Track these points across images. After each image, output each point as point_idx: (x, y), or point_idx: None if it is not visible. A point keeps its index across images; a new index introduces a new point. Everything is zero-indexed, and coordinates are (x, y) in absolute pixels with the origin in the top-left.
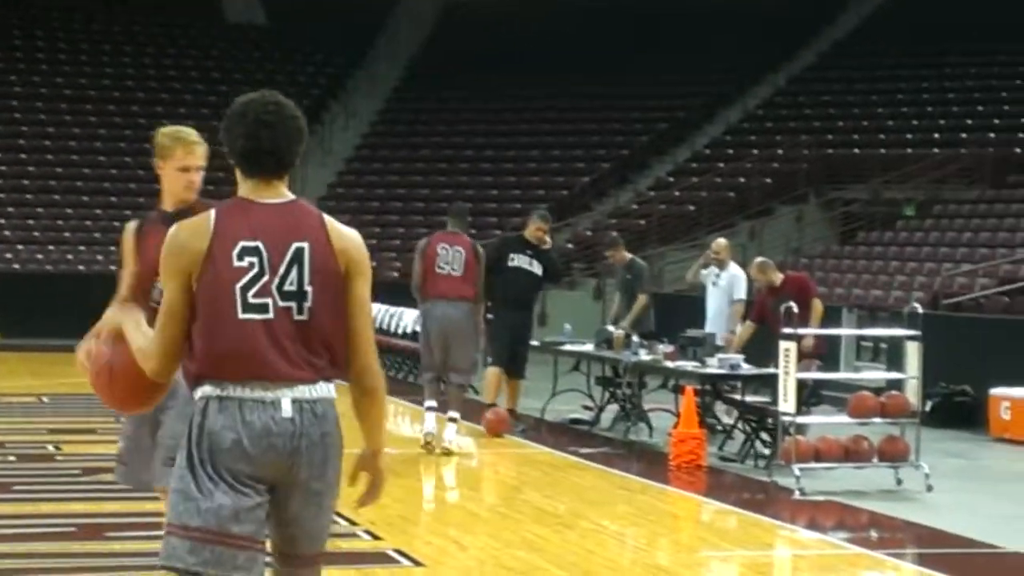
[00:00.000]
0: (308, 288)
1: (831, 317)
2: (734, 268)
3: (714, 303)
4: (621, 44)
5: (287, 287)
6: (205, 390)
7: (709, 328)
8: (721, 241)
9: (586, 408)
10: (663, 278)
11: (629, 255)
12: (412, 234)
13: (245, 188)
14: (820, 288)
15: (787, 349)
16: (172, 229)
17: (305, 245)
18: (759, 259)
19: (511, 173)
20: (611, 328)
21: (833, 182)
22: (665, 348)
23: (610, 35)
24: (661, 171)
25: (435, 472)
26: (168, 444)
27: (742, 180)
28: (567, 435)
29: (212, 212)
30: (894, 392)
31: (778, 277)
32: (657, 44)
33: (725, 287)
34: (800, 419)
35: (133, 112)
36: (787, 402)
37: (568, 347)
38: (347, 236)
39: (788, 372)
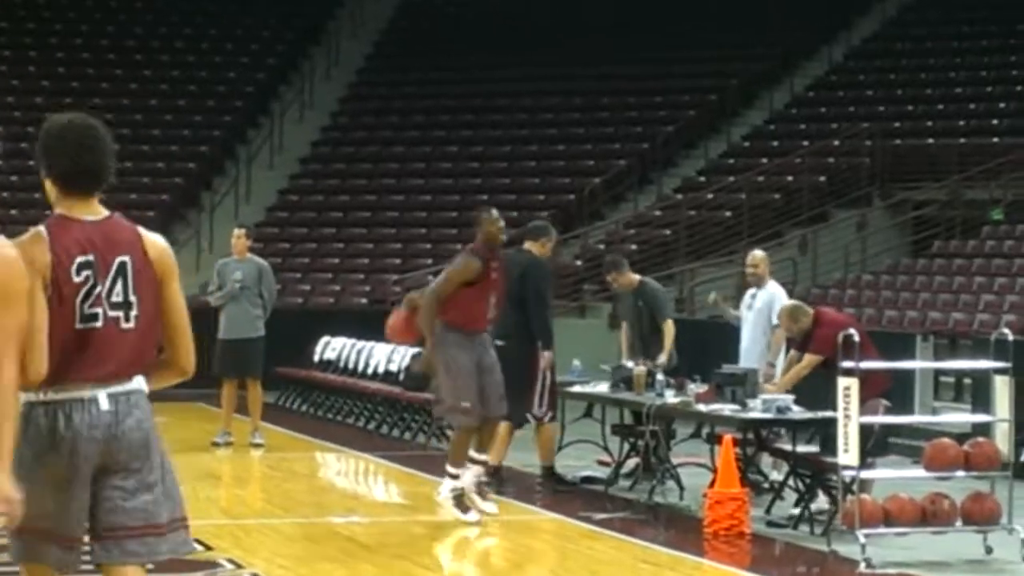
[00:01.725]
0: (133, 298)
1: (903, 347)
2: (773, 286)
3: (749, 330)
4: (640, 15)
5: (114, 298)
6: (28, 396)
7: (743, 361)
8: (757, 253)
9: (601, 463)
10: (693, 301)
11: (637, 277)
12: (383, 251)
13: (64, 206)
14: (890, 312)
15: (847, 387)
16: (14, 250)
17: (127, 259)
18: (791, 304)
19: (504, 174)
20: (630, 364)
21: (903, 180)
22: (697, 388)
23: (626, 4)
24: (690, 169)
25: (416, 545)
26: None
27: (790, 179)
28: (578, 497)
29: (43, 228)
30: (980, 439)
31: (808, 324)
32: (684, 14)
33: (763, 309)
34: (865, 474)
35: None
36: (848, 453)
37: (578, 388)
38: (159, 245)
39: (849, 416)
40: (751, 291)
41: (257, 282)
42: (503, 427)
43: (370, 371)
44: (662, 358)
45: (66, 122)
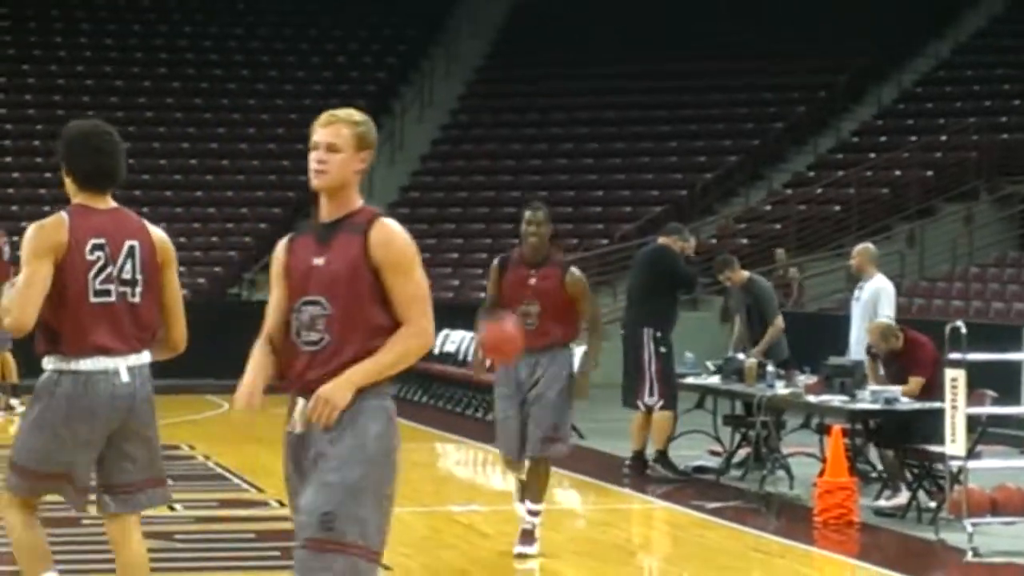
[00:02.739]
0: (139, 276)
1: (1010, 338)
2: (879, 280)
3: (857, 323)
4: (750, 13)
5: (124, 275)
6: (55, 363)
7: (854, 354)
8: (858, 246)
9: (713, 453)
10: (804, 294)
11: (747, 273)
12: (500, 245)
13: (81, 197)
14: (997, 304)
15: (954, 378)
16: (34, 226)
17: (136, 243)
18: (884, 323)
19: (619, 170)
20: (741, 356)
21: (1010, 173)
22: (807, 379)
23: (737, 2)
24: (800, 164)
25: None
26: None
27: (898, 173)
28: (691, 486)
29: (64, 214)
30: None
31: (899, 344)
32: (792, 12)
33: (868, 301)
34: (973, 464)
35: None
36: (955, 443)
37: (690, 380)
38: (161, 235)
39: (956, 406)
40: (860, 284)
41: None
42: (639, 416)
43: (489, 364)
44: (755, 351)
45: (88, 129)
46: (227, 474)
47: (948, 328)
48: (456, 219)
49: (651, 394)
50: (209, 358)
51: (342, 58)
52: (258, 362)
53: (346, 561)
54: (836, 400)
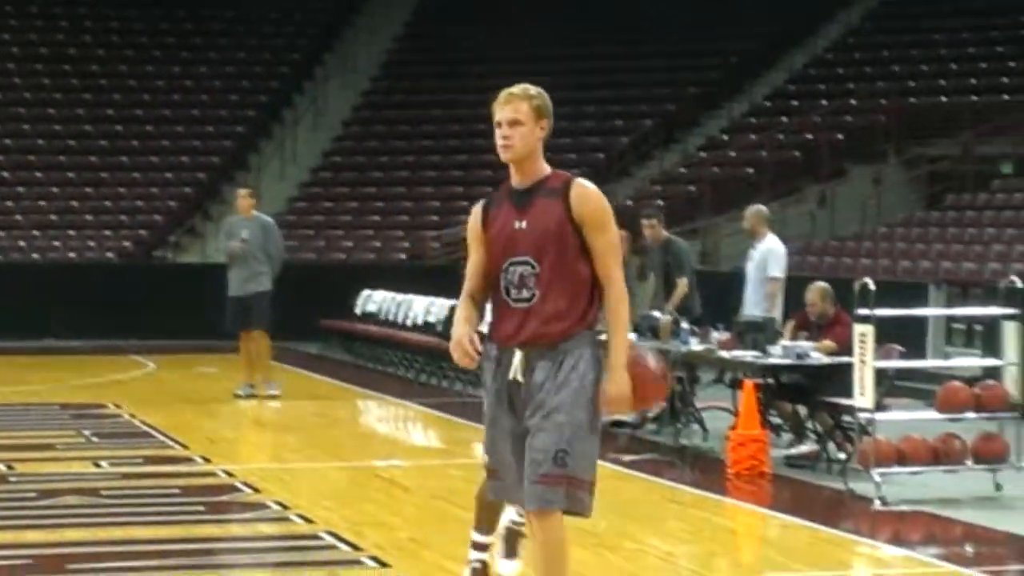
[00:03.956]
0: None
1: (917, 295)
2: (770, 240)
3: (750, 283)
4: None
5: None
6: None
7: (748, 311)
8: (750, 208)
9: None
10: (718, 253)
11: (666, 234)
12: (421, 208)
13: None
14: (904, 262)
15: (863, 334)
16: None
17: None
18: (827, 288)
19: None
20: (656, 314)
21: (917, 137)
22: (720, 336)
23: None
24: (714, 128)
25: (453, 487)
26: (537, 459)
27: (809, 137)
28: (607, 441)
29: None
30: (991, 382)
31: (831, 312)
32: None
33: (760, 262)
34: (880, 416)
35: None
36: (864, 396)
37: (604, 336)
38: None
39: (864, 361)
40: (753, 244)
41: (262, 239)
42: None
43: (409, 322)
44: (669, 309)
45: None
46: (152, 432)
47: (857, 285)
48: (377, 183)
49: None
50: (135, 319)
51: (266, 27)
52: (465, 317)
53: (576, 491)
54: (748, 355)
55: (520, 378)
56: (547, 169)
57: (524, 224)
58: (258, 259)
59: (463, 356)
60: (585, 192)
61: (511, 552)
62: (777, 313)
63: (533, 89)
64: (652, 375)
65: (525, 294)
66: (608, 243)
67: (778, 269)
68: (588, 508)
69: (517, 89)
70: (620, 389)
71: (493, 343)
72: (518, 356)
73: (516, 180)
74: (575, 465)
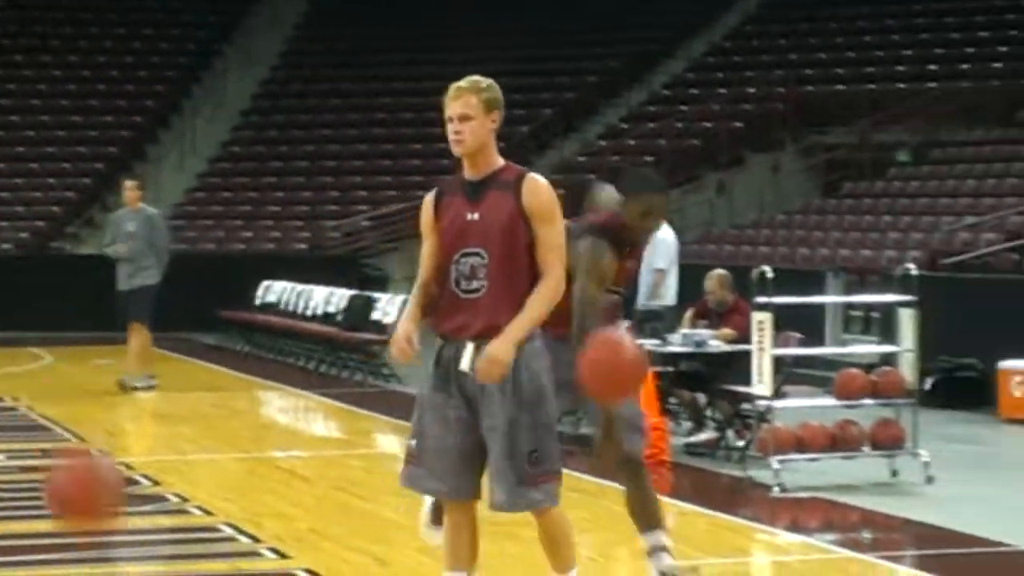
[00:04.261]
0: None
1: (814, 282)
2: (661, 230)
3: (643, 272)
4: None
5: None
6: None
7: (642, 301)
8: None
9: None
10: None
11: (566, 221)
12: (321, 197)
13: None
14: (802, 250)
15: (761, 321)
16: None
17: None
18: (727, 275)
19: (437, 123)
20: None
21: (814, 125)
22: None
23: None
24: (613, 117)
25: (353, 477)
26: (515, 463)
27: (708, 125)
28: None
29: None
30: (887, 368)
31: (730, 299)
32: None
33: (648, 250)
34: (779, 403)
35: None
36: (763, 383)
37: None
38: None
39: (763, 348)
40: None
41: (148, 232)
42: None
43: (309, 313)
44: None
45: None
46: (50, 424)
47: (755, 273)
48: (277, 172)
49: None
50: (32, 311)
51: (161, 15)
52: (411, 313)
53: (553, 486)
54: (647, 344)
55: (469, 370)
56: (500, 161)
57: (476, 216)
58: (144, 253)
59: (400, 354)
60: (536, 185)
61: (437, 520)
62: (669, 302)
63: (483, 82)
64: (627, 358)
65: (475, 285)
66: (553, 236)
67: (663, 260)
68: (559, 497)
69: (466, 83)
70: (493, 356)
71: (440, 334)
72: (469, 348)
73: (469, 172)
74: (548, 461)
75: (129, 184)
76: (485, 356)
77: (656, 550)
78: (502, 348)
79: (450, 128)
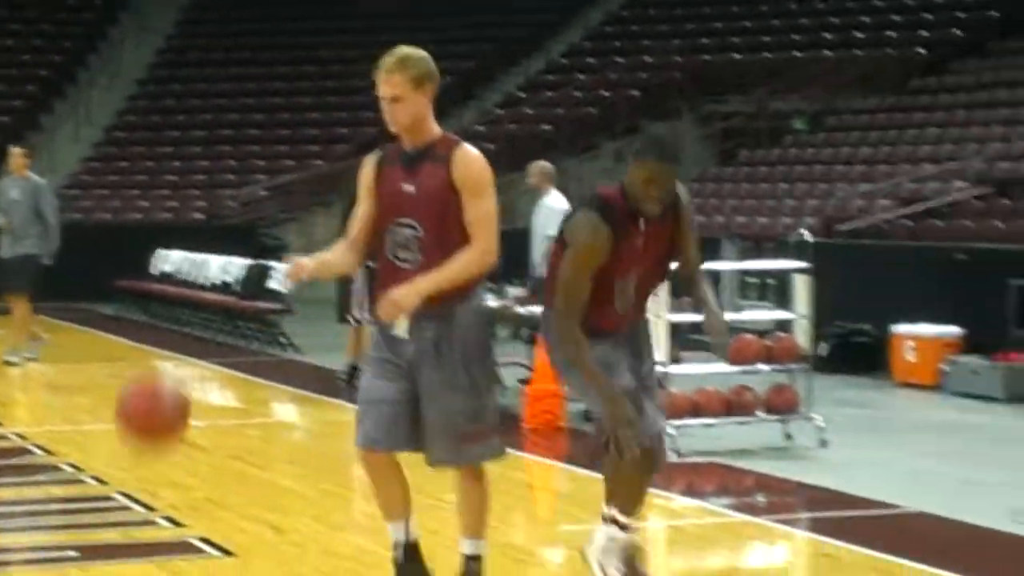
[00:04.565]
0: None
1: (711, 249)
2: (552, 198)
3: (535, 239)
4: None
5: None
6: None
7: (536, 268)
8: (534, 164)
9: None
10: (515, 211)
11: None
12: (219, 167)
13: None
14: (698, 217)
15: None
16: None
17: None
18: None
19: (335, 92)
20: None
21: (711, 94)
22: (516, 292)
23: None
24: (511, 85)
25: (250, 446)
26: (454, 421)
27: (605, 94)
28: None
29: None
30: (782, 334)
31: None
32: None
33: (538, 219)
34: (675, 369)
35: None
36: (659, 350)
37: None
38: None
39: (659, 315)
40: (539, 201)
41: (32, 200)
42: (352, 331)
43: (206, 282)
44: None
45: None
46: None
47: None
48: (174, 142)
49: (361, 309)
50: None
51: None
52: (328, 257)
53: (491, 441)
54: (543, 310)
55: (406, 335)
56: (436, 132)
57: (411, 187)
58: (29, 221)
59: (291, 272)
60: (467, 158)
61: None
62: None
63: (412, 58)
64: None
65: (409, 256)
66: (482, 209)
67: (555, 228)
68: (501, 450)
69: (393, 61)
70: (392, 298)
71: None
72: (403, 319)
73: (406, 143)
74: (484, 419)
75: (16, 151)
76: (388, 296)
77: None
78: (404, 293)
79: (384, 107)
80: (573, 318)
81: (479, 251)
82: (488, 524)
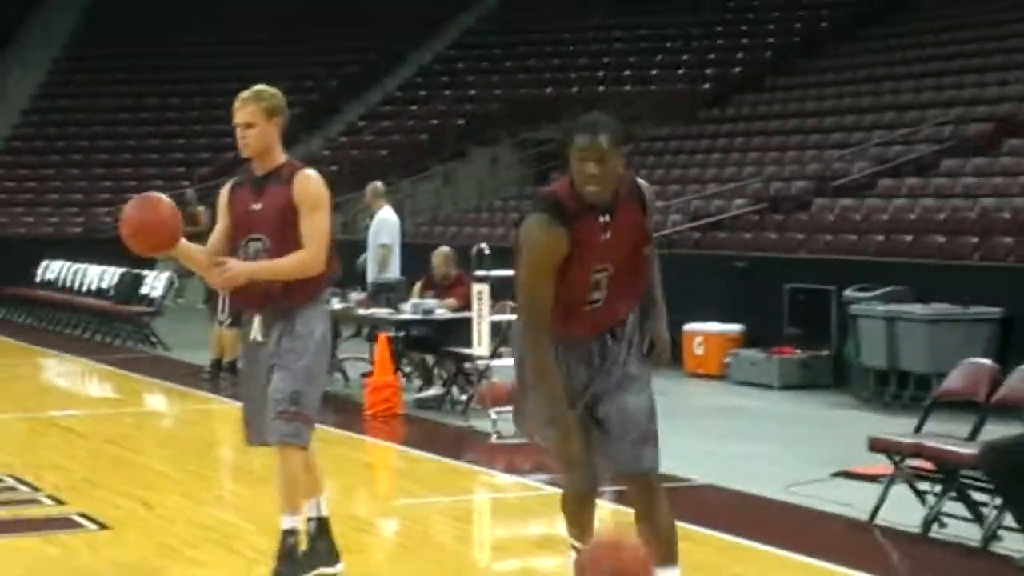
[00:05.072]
0: None
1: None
2: (384, 211)
3: (369, 249)
4: None
5: None
6: None
7: (370, 275)
8: (368, 185)
9: None
10: (356, 225)
11: None
12: (95, 187)
13: None
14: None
15: (480, 292)
16: None
17: None
18: (445, 249)
19: (198, 121)
20: None
21: (527, 122)
22: (357, 296)
23: None
24: (353, 115)
25: (124, 432)
26: (276, 399)
27: (435, 123)
28: None
29: None
30: None
31: (453, 273)
32: None
33: (374, 230)
34: (496, 362)
35: None
36: (482, 345)
37: None
38: None
39: (482, 315)
40: (371, 215)
41: None
42: (216, 330)
43: (85, 288)
44: None
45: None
46: None
47: (475, 250)
48: (55, 165)
49: (223, 312)
50: None
51: None
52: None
53: (305, 425)
54: (382, 312)
55: (260, 338)
56: (282, 159)
57: (259, 206)
58: None
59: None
60: (305, 179)
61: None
62: (395, 274)
63: (266, 92)
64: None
65: None
66: (315, 224)
67: (387, 236)
68: (308, 439)
69: (248, 94)
70: (224, 266)
71: (237, 309)
72: (257, 320)
73: (256, 168)
74: (305, 403)
75: None
76: (226, 265)
77: None
78: (236, 266)
79: (238, 133)
80: (540, 329)
81: (307, 255)
82: (299, 504)
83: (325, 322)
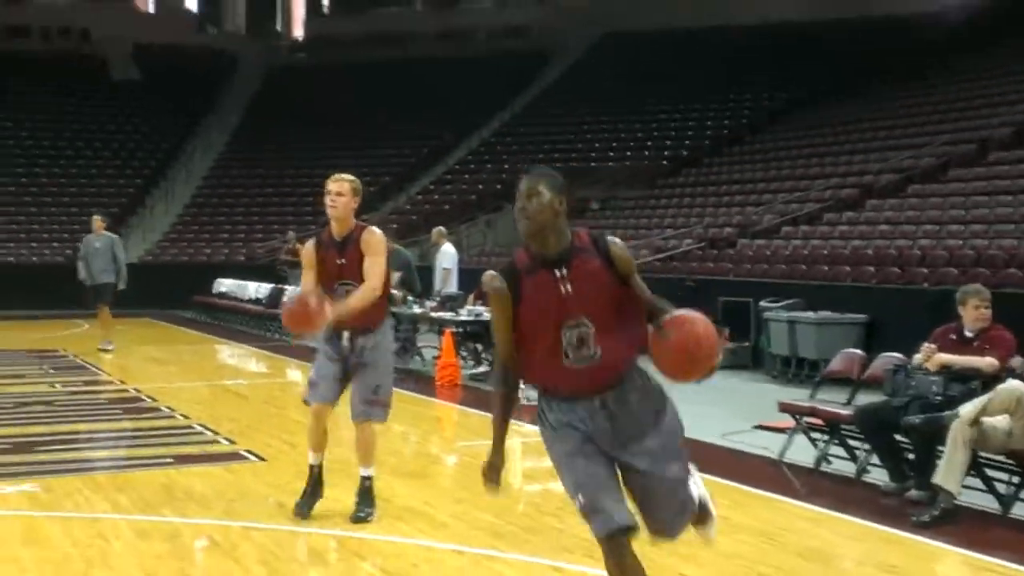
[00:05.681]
0: None
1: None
2: (446, 247)
3: (436, 272)
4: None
5: None
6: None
7: (444, 290)
8: (434, 229)
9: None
10: (428, 256)
11: (395, 245)
12: (253, 229)
13: None
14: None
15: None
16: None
17: None
18: (492, 272)
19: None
20: (394, 292)
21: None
22: (431, 303)
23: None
24: (426, 181)
25: (273, 394)
26: (365, 388)
27: (480, 187)
28: None
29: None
30: None
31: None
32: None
33: (439, 260)
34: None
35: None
36: None
37: None
38: None
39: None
40: (438, 249)
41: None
42: None
43: (246, 298)
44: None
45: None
46: (87, 365)
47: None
48: (226, 214)
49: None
50: None
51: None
52: (316, 300)
53: (384, 410)
54: (447, 315)
55: (347, 344)
56: (354, 224)
57: (343, 261)
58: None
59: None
60: (369, 234)
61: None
62: (453, 289)
63: (350, 176)
64: (702, 334)
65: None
66: (375, 263)
67: (448, 263)
68: (385, 418)
69: (343, 174)
70: (336, 312)
71: (334, 328)
72: (346, 335)
73: (336, 231)
74: (383, 394)
75: (96, 218)
76: (336, 311)
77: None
78: (335, 310)
79: (328, 200)
80: (504, 360)
81: (367, 287)
82: (374, 459)
83: (391, 334)
